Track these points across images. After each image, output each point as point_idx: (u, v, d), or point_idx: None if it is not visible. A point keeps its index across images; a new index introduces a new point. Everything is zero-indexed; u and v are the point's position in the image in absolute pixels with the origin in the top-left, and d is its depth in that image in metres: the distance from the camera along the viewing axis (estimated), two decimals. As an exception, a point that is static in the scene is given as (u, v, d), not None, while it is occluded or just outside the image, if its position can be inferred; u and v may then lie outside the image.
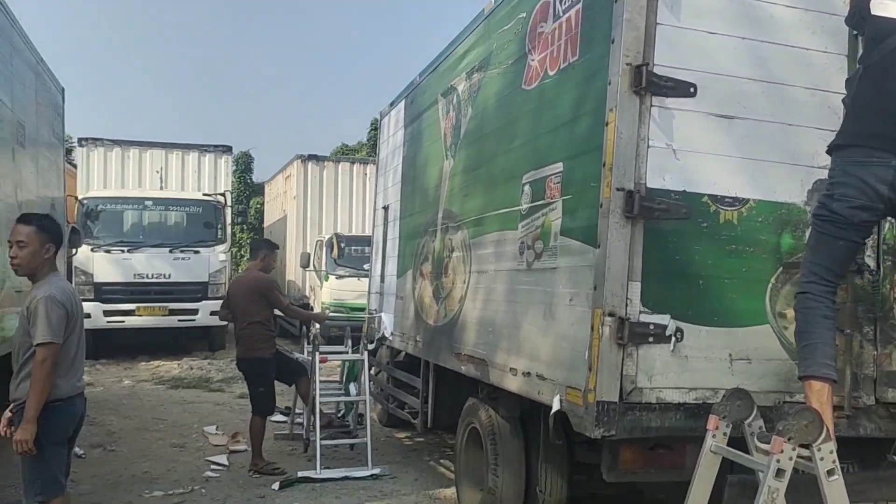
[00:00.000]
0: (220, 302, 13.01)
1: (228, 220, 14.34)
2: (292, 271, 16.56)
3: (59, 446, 3.93)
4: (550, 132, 3.98)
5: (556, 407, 3.51)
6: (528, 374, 3.93)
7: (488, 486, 4.64)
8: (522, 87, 4.36)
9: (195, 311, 13.05)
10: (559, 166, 3.82)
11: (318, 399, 6.59)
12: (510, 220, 4.35)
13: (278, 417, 7.61)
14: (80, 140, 15.03)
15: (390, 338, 7.05)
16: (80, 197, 13.31)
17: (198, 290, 13.14)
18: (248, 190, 28.55)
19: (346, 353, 7.40)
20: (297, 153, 16.54)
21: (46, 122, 7.56)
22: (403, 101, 7.18)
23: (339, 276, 14.07)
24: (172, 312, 12.95)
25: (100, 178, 14.88)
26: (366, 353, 6.96)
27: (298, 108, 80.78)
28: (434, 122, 6.06)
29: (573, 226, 3.63)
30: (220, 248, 13.61)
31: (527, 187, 4.16)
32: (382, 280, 7.62)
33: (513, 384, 4.15)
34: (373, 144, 27.54)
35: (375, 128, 28.15)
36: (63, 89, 8.40)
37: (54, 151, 8.08)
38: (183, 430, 7.91)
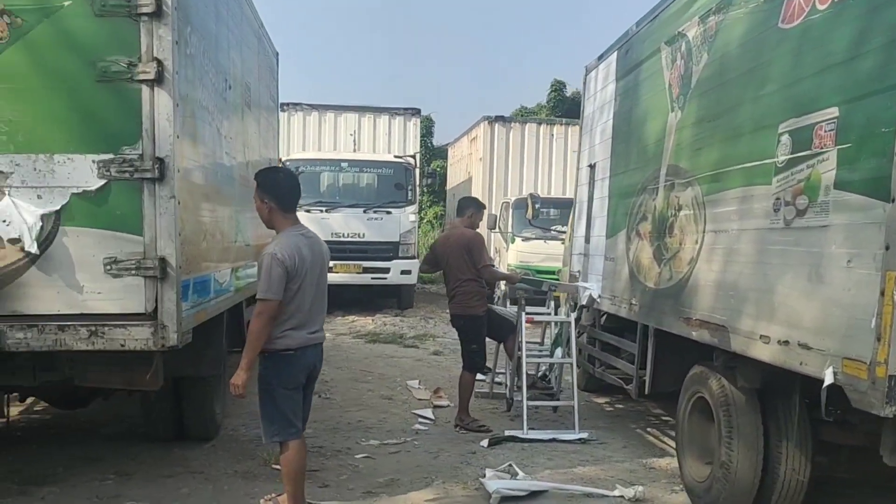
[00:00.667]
0: (410, 261, 13.40)
1: (417, 181, 14.60)
2: (477, 233, 16.70)
3: (292, 392, 4.08)
4: (818, 74, 3.54)
5: (828, 380, 3.16)
6: (786, 342, 3.58)
7: (721, 460, 4.34)
8: (779, 26, 3.92)
9: (387, 270, 13.47)
10: (833, 111, 3.39)
11: (524, 359, 6.52)
12: (760, 174, 3.96)
13: (478, 376, 7.65)
14: (282, 105, 15.83)
15: (598, 300, 6.81)
16: (282, 159, 14.04)
17: (389, 250, 13.54)
18: (430, 153, 29.06)
19: (550, 314, 7.28)
20: (482, 115, 16.55)
21: (265, 85, 7.91)
22: (615, 54, 6.81)
23: (526, 239, 14.00)
24: (366, 270, 13.42)
25: (299, 140, 15.69)
26: (572, 315, 6.78)
27: (476, 72, 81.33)
28: (656, 73, 5.68)
29: (853, 178, 3.21)
30: (410, 209, 13.90)
31: (785, 137, 3.76)
32: (587, 241, 7.36)
33: (763, 353, 3.80)
34: (553, 106, 27.03)
35: (556, 89, 27.69)
36: (277, 53, 8.74)
37: (271, 113, 8.47)
38: (389, 382, 8.16)
